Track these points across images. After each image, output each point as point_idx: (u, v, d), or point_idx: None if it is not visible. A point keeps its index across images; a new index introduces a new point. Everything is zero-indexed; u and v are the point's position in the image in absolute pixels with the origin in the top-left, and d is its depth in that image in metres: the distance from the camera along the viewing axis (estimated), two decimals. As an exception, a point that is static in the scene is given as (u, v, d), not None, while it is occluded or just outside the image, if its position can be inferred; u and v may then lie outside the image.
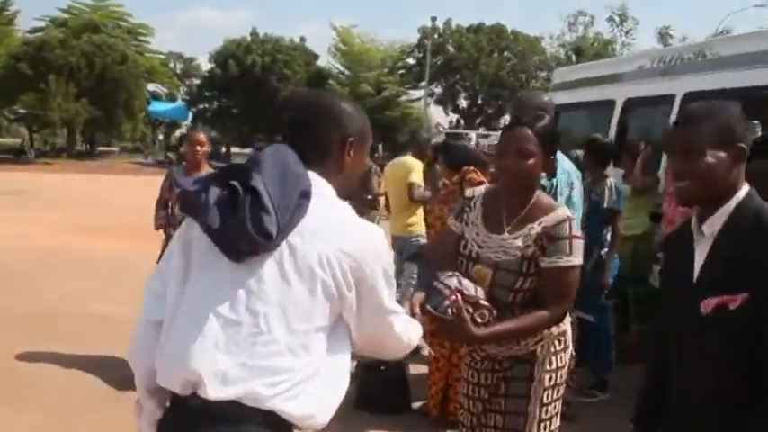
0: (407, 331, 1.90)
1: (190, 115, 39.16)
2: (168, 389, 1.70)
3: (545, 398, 2.56)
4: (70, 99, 32.45)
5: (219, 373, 1.60)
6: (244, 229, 1.58)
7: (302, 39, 42.41)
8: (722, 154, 1.75)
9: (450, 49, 40.81)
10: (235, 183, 1.62)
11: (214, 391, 1.59)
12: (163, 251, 4.97)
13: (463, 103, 42.79)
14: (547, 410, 2.58)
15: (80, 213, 13.57)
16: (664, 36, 29.95)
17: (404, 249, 6.07)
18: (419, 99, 39.32)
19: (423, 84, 37.77)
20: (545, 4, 72.35)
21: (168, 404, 1.75)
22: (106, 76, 33.73)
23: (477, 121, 40.63)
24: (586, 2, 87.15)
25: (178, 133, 39.58)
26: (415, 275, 5.78)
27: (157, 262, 4.84)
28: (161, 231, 5.11)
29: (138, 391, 1.83)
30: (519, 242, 2.46)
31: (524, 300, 2.47)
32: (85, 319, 6.27)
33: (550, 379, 2.56)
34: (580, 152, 5.38)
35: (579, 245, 2.47)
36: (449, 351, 4.25)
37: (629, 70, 7.23)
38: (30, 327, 6.00)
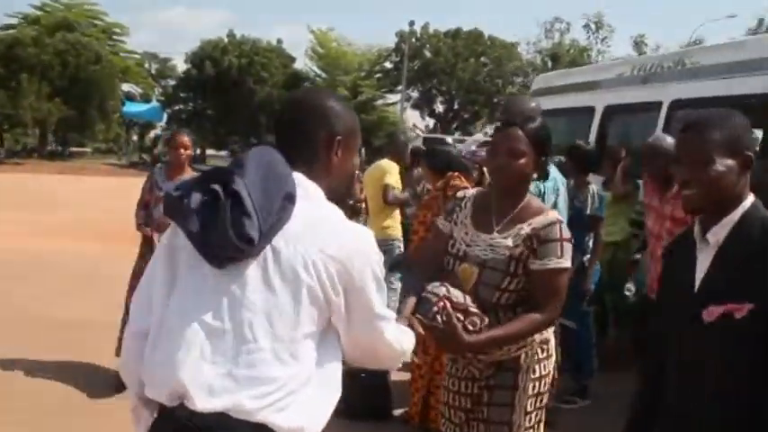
0: (400, 339, 1.83)
1: (165, 116, 38.81)
2: (156, 400, 1.65)
3: (529, 406, 2.54)
4: (43, 98, 31.93)
5: (206, 385, 1.56)
6: (224, 235, 1.54)
7: (279, 41, 42.34)
8: (730, 162, 1.74)
9: (428, 53, 40.93)
10: (216, 186, 1.57)
11: (201, 403, 1.55)
12: (141, 254, 4.92)
13: (439, 108, 42.94)
14: (530, 419, 2.56)
15: (51, 215, 13.32)
16: (639, 44, 30.37)
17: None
18: (395, 103, 39.40)
19: (399, 88, 37.84)
20: (522, 10, 72.88)
21: (156, 414, 1.70)
22: (80, 75, 33.27)
23: (454, 125, 40.76)
24: (563, 9, 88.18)
25: (152, 134, 39.23)
26: (396, 283, 5.73)
27: (135, 265, 4.84)
28: (139, 234, 5.02)
29: (132, 400, 1.79)
30: (508, 242, 2.45)
31: (509, 301, 2.45)
32: (56, 324, 6.12)
33: (534, 387, 2.55)
34: (561, 158, 5.39)
35: (569, 248, 2.48)
36: (431, 358, 4.21)
37: (609, 77, 7.29)
38: (-2, 332, 5.84)
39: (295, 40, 79.19)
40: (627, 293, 4.62)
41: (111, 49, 38.48)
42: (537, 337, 2.52)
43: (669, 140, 4.48)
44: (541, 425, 2.60)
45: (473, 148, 7.28)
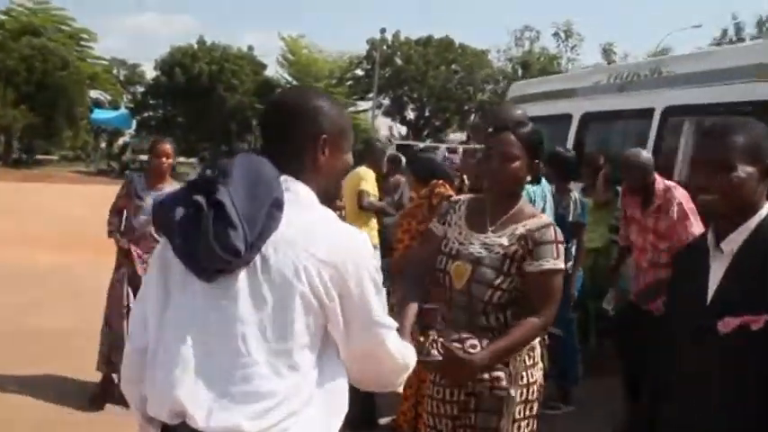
0: (403, 352, 1.75)
1: (134, 123, 38.34)
2: (158, 419, 1.61)
3: (517, 413, 2.53)
4: (8, 105, 31.28)
5: (203, 404, 1.51)
6: (209, 248, 1.48)
7: (250, 48, 42.16)
8: (751, 169, 1.73)
9: (399, 61, 41.05)
10: (198, 198, 1.52)
11: (202, 421, 1.51)
12: (117, 265, 4.79)
13: (411, 115, 43.05)
14: (519, 427, 2.54)
15: (18, 223, 12.99)
16: (607, 52, 30.78)
17: None
18: (367, 110, 39.40)
19: (371, 95, 37.86)
20: (492, 18, 73.63)
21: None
22: (47, 81, 32.67)
23: (425, 133, 40.90)
24: (532, 17, 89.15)
25: (121, 141, 38.63)
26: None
27: (113, 277, 4.73)
28: (112, 243, 4.88)
29: (136, 418, 1.75)
30: (503, 240, 2.48)
31: (501, 300, 2.46)
32: (27, 335, 5.95)
33: (522, 394, 2.53)
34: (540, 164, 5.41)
35: (563, 250, 2.52)
36: (418, 366, 4.17)
37: (585, 85, 7.36)
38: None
39: (266, 47, 79.09)
40: (606, 306, 4.64)
41: (78, 54, 37.83)
42: None
43: (645, 154, 4.54)
44: None
45: (446, 155, 7.30)
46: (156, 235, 4.69)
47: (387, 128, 38.94)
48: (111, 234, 4.83)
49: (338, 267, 1.56)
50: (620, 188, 5.14)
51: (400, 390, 1.79)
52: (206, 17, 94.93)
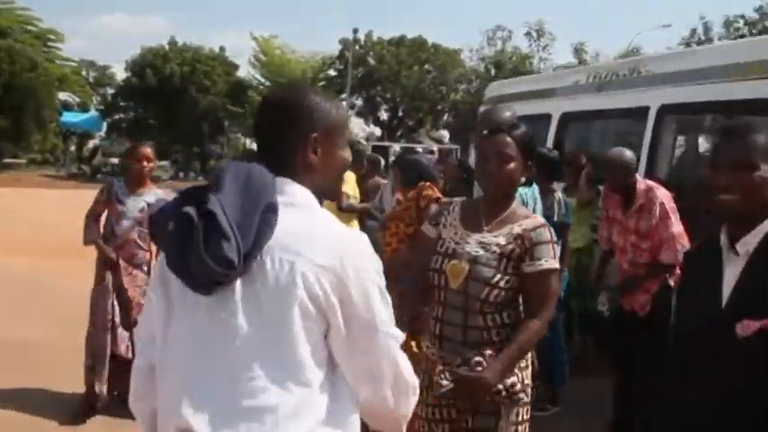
0: (410, 369, 1.66)
1: (104, 126, 37.80)
2: None
3: (514, 416, 2.53)
4: (-26, 108, 30.72)
5: (209, 420, 1.47)
6: (201, 261, 1.43)
7: (222, 48, 41.74)
8: None
9: (371, 61, 40.97)
10: (188, 209, 1.47)
11: None
12: (99, 277, 4.64)
13: (384, 116, 43.02)
14: (517, 430, 2.55)
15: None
16: (579, 51, 30.99)
17: None
18: (340, 111, 39.18)
19: (343, 95, 37.72)
20: (465, 18, 74.00)
21: None
22: (14, 83, 32.02)
23: (398, 133, 40.90)
24: (504, 17, 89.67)
25: (91, 144, 38.04)
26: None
27: (94, 287, 4.61)
28: (85, 248, 4.75)
29: None
30: (500, 239, 2.51)
31: (498, 298, 2.47)
32: (2, 345, 5.77)
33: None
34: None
35: (557, 250, 2.59)
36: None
37: (565, 85, 7.39)
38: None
39: (238, 47, 78.50)
40: (601, 308, 4.64)
41: (45, 56, 37.20)
42: None
43: (628, 154, 4.56)
44: None
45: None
46: (139, 241, 4.62)
47: (360, 129, 38.83)
48: (92, 242, 4.67)
49: (338, 272, 1.50)
50: (602, 188, 5.16)
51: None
52: (177, 18, 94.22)
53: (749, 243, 1.75)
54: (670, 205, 4.33)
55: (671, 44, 28.96)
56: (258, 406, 1.47)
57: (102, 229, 4.69)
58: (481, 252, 2.50)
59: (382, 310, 1.56)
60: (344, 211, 6.06)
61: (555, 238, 2.55)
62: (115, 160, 31.52)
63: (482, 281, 2.46)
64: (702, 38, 27.28)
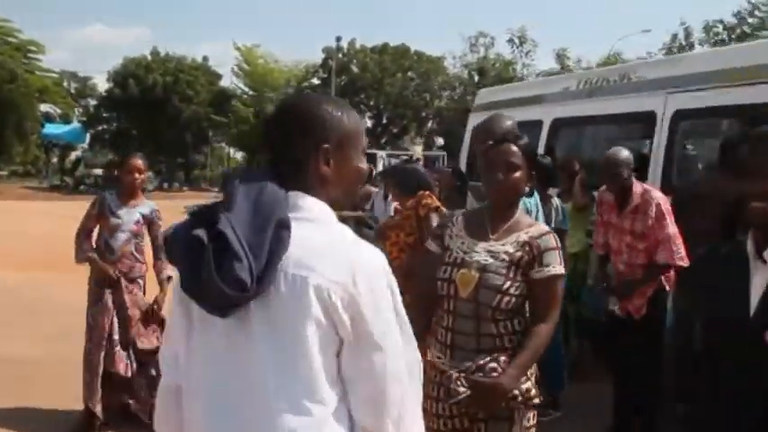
0: (419, 414, 1.61)
1: (87, 137, 37.52)
2: None
3: (526, 421, 2.55)
4: (-46, 120, 30.39)
5: None
6: (212, 284, 1.39)
7: (205, 58, 41.78)
8: None
9: (355, 69, 41.04)
10: (198, 231, 1.43)
11: None
12: (96, 297, 4.52)
13: (368, 123, 43.06)
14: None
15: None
16: (561, 57, 31.14)
17: None
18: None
19: (328, 104, 37.74)
20: (447, 25, 74.39)
21: None
22: (-6, 95, 31.84)
23: (383, 140, 40.94)
24: (486, 24, 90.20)
25: (73, 156, 37.78)
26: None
27: (91, 305, 4.53)
28: (72, 261, 4.66)
29: None
30: (507, 247, 2.54)
31: (509, 305, 2.49)
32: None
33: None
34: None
35: (563, 256, 2.61)
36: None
37: (555, 91, 7.42)
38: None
39: (220, 57, 78.28)
40: (614, 309, 4.63)
41: (26, 67, 36.88)
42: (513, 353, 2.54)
43: (626, 153, 4.59)
44: None
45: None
46: (136, 254, 4.57)
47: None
48: (85, 260, 4.56)
49: (349, 289, 1.47)
50: (596, 193, 5.18)
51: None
52: (160, 28, 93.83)
53: None
54: (666, 206, 4.38)
55: (652, 49, 29.23)
56: (278, 428, 1.46)
57: (94, 245, 4.61)
58: (490, 260, 2.53)
59: (394, 331, 1.52)
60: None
61: (559, 245, 2.58)
62: (98, 171, 31.31)
63: (493, 288, 2.48)
64: (683, 43, 27.51)
